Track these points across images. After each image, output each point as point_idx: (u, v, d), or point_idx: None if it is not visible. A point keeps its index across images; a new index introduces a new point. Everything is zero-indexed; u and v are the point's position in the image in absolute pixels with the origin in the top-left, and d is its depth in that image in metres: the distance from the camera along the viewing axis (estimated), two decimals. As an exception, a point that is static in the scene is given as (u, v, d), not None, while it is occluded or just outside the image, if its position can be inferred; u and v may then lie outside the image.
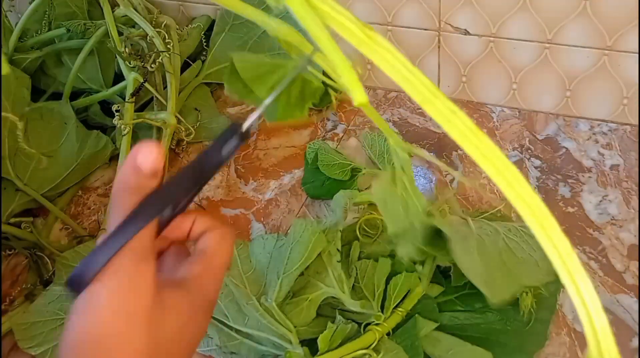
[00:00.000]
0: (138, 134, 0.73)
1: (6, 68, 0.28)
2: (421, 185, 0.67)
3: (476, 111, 0.76)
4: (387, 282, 0.51)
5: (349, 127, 0.76)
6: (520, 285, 0.45)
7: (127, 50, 0.70)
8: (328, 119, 0.77)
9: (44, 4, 0.75)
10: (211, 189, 0.70)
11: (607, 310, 0.53)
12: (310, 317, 0.49)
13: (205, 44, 0.83)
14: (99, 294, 0.26)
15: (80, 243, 0.61)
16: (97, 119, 0.75)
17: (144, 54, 0.72)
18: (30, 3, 0.74)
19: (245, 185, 0.70)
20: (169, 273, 0.31)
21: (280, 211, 0.66)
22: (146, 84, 0.69)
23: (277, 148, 0.74)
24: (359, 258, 0.54)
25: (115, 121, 0.66)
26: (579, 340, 0.51)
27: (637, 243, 0.58)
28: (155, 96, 0.72)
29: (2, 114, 0.58)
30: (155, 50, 0.71)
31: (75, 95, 0.76)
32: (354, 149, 0.72)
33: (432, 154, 0.70)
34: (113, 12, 0.72)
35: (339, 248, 0.51)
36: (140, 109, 0.75)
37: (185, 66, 0.79)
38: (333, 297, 0.51)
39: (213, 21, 0.84)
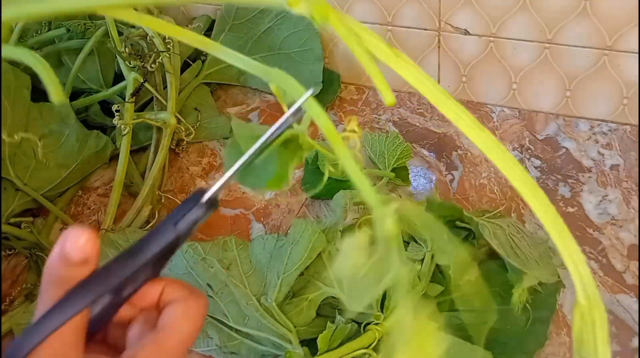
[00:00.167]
0: (138, 134, 0.73)
1: (60, 95, 0.27)
2: (421, 185, 0.67)
3: (476, 111, 0.76)
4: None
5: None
6: (538, 279, 0.45)
7: (127, 50, 0.70)
8: (328, 119, 0.77)
9: (44, 4, 0.75)
10: (211, 189, 0.70)
11: (607, 310, 0.53)
12: (310, 317, 0.49)
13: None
14: None
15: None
16: (97, 119, 0.75)
17: (144, 54, 0.72)
18: (30, 3, 0.74)
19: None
20: (134, 344, 0.28)
21: (280, 211, 0.66)
22: (146, 84, 0.69)
23: (277, 148, 0.74)
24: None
25: (115, 121, 0.66)
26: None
27: (637, 243, 0.58)
28: (155, 96, 0.72)
29: (22, 135, 0.57)
30: (155, 50, 0.71)
31: (75, 95, 0.76)
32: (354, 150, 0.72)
33: (432, 154, 0.70)
34: (113, 12, 0.72)
35: (339, 248, 0.51)
36: (140, 109, 0.75)
37: (185, 66, 0.79)
38: (333, 297, 0.51)
39: (213, 21, 0.84)
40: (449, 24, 0.71)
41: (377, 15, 0.74)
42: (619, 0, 0.62)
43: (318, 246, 0.50)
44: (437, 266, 0.53)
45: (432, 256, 0.52)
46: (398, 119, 0.76)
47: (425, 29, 0.73)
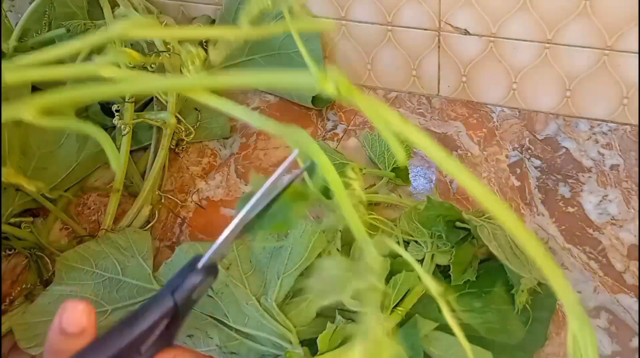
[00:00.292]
0: (138, 134, 0.73)
1: (118, 163, 0.30)
2: (421, 185, 0.67)
3: (476, 111, 0.76)
4: (387, 282, 0.51)
5: (349, 128, 0.76)
6: (536, 280, 0.45)
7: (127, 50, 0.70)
8: (328, 119, 0.77)
9: (44, 4, 0.75)
10: (211, 189, 0.70)
11: (607, 310, 0.53)
12: (310, 317, 0.49)
13: (205, 44, 0.83)
14: None
15: (80, 243, 0.61)
16: (97, 119, 0.75)
17: (144, 54, 0.72)
18: (30, 3, 0.74)
19: (245, 185, 0.70)
20: None
21: (280, 211, 0.66)
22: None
23: (277, 148, 0.74)
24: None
25: (115, 121, 0.66)
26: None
27: (637, 243, 0.58)
28: (155, 96, 0.72)
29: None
30: (155, 50, 0.71)
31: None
32: (354, 149, 0.72)
33: (432, 154, 0.70)
34: (113, 12, 0.72)
35: (339, 248, 0.51)
36: (140, 109, 0.75)
37: (185, 66, 0.79)
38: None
39: (213, 21, 0.84)
40: (449, 24, 0.71)
41: (377, 15, 0.74)
42: (619, 0, 0.62)
43: (318, 246, 0.50)
44: (437, 266, 0.53)
45: (432, 256, 0.52)
46: (398, 119, 0.76)
47: (425, 29, 0.73)
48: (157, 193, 0.68)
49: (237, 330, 0.50)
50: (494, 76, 0.74)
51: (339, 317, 0.49)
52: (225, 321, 0.50)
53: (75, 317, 0.28)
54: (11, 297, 0.58)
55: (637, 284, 0.54)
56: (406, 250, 0.54)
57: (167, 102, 0.71)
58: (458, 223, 0.55)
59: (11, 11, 0.84)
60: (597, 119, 0.72)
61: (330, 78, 0.30)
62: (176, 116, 0.71)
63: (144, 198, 0.65)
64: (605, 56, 0.66)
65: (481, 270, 0.53)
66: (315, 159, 0.33)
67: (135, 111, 0.69)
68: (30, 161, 0.64)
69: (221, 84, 0.33)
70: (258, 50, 0.79)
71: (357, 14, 0.76)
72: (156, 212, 0.67)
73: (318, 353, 0.46)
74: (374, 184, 0.65)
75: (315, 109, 0.78)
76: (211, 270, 0.30)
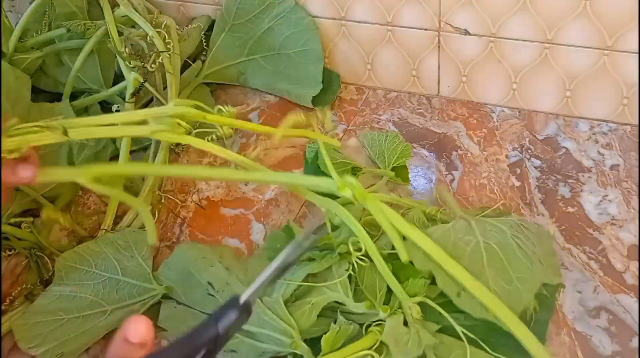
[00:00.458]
0: (137, 141, 0.73)
1: (154, 240, 0.37)
2: (421, 185, 0.67)
3: (476, 111, 0.76)
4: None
5: (349, 128, 0.76)
6: (537, 284, 0.45)
7: (127, 50, 0.70)
8: (328, 119, 0.77)
9: (44, 4, 0.75)
10: (211, 189, 0.70)
11: (607, 310, 0.53)
12: (312, 320, 0.49)
13: (205, 44, 0.83)
14: None
15: (80, 243, 0.61)
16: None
17: (144, 54, 0.72)
18: (30, 3, 0.74)
19: (245, 185, 0.70)
20: None
21: (280, 211, 0.66)
22: (146, 84, 0.69)
23: (277, 148, 0.74)
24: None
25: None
26: (579, 340, 0.51)
27: (637, 243, 0.58)
28: (155, 96, 0.72)
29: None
30: (155, 50, 0.71)
31: (75, 95, 0.76)
32: (354, 149, 0.72)
33: (432, 154, 0.71)
34: (113, 12, 0.72)
35: (350, 261, 0.51)
36: (141, 109, 0.74)
37: (185, 66, 0.79)
38: (337, 302, 0.51)
39: (213, 21, 0.84)
40: (449, 24, 0.71)
41: (377, 15, 0.74)
42: (619, 0, 0.62)
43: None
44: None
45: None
46: (398, 119, 0.76)
47: (425, 29, 0.73)
48: (157, 193, 0.68)
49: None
50: (494, 76, 0.74)
51: (340, 318, 0.49)
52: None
53: (139, 329, 0.33)
54: (11, 297, 0.58)
55: (637, 284, 0.54)
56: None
57: (167, 102, 0.71)
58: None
59: (11, 11, 0.84)
60: (597, 119, 0.72)
61: (348, 185, 0.37)
62: (176, 116, 0.71)
63: (144, 198, 0.65)
64: (605, 56, 0.66)
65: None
66: (346, 221, 0.43)
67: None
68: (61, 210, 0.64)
69: (250, 178, 0.42)
70: (258, 50, 0.79)
71: (357, 14, 0.76)
72: (156, 212, 0.67)
73: (321, 353, 0.46)
74: (374, 184, 0.65)
75: (315, 109, 0.78)
76: (248, 308, 0.35)
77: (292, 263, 0.44)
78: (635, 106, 0.69)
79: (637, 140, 0.69)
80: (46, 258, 0.61)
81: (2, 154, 0.37)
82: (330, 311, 0.51)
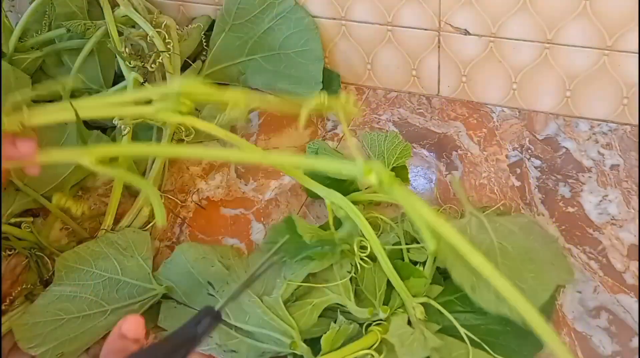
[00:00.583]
0: (138, 134, 0.73)
1: (164, 221, 0.37)
2: (421, 185, 0.67)
3: (476, 111, 0.76)
4: (388, 283, 0.51)
5: (349, 128, 0.76)
6: (553, 284, 0.45)
7: (127, 50, 0.70)
8: (328, 119, 0.77)
9: (44, 4, 0.75)
10: (211, 189, 0.70)
11: (607, 310, 0.53)
12: (313, 321, 0.49)
13: (205, 44, 0.83)
14: None
15: (80, 243, 0.61)
16: (97, 119, 0.75)
17: (144, 54, 0.72)
18: (30, 3, 0.74)
19: (245, 185, 0.70)
20: None
21: (280, 211, 0.66)
22: (146, 84, 0.69)
23: (277, 148, 0.74)
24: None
25: (115, 121, 0.66)
26: (579, 340, 0.51)
27: (637, 243, 0.58)
28: (155, 96, 0.72)
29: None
30: (155, 50, 0.71)
31: (75, 95, 0.76)
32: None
33: (432, 154, 0.71)
34: (113, 12, 0.72)
35: (352, 261, 0.51)
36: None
37: (185, 66, 0.79)
38: (337, 303, 0.51)
39: (213, 21, 0.84)
40: (449, 24, 0.71)
41: (377, 15, 0.74)
42: (619, 0, 0.62)
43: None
44: (437, 267, 0.53)
45: (434, 259, 0.52)
46: (398, 119, 0.76)
47: (425, 29, 0.73)
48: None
49: (237, 328, 0.50)
50: (494, 76, 0.74)
51: (340, 317, 0.49)
52: (225, 319, 0.50)
53: (135, 326, 0.37)
54: (11, 297, 0.58)
55: (637, 284, 0.54)
56: (408, 251, 0.54)
57: (167, 102, 0.71)
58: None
59: (11, 11, 0.84)
60: (597, 119, 0.72)
61: (374, 170, 0.33)
62: (176, 116, 0.70)
63: (144, 198, 0.65)
64: (605, 56, 0.66)
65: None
66: (351, 215, 0.43)
67: (135, 111, 0.69)
68: (68, 194, 0.64)
69: (264, 160, 0.40)
70: (258, 50, 0.79)
71: (357, 14, 0.76)
72: (156, 212, 0.67)
73: (321, 353, 0.46)
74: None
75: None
76: (219, 315, 0.40)
77: (256, 278, 0.50)
78: (635, 106, 0.69)
79: (637, 140, 0.69)
80: (46, 258, 0.61)
81: (2, 128, 0.38)
82: (331, 311, 0.51)
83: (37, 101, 0.68)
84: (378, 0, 0.73)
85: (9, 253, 0.63)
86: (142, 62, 0.70)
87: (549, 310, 0.52)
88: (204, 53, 0.83)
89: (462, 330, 0.46)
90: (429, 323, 0.49)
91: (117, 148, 0.37)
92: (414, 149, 0.70)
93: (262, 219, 0.66)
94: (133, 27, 0.74)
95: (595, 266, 0.56)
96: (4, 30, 0.74)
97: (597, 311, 0.53)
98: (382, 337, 0.47)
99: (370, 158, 0.68)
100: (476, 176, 0.67)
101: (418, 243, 0.54)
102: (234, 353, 0.50)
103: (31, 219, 0.63)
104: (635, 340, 0.50)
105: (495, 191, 0.65)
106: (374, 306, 0.50)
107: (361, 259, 0.50)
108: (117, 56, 0.71)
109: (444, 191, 0.66)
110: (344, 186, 0.62)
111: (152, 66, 0.71)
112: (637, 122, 0.70)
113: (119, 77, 0.76)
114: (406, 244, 0.54)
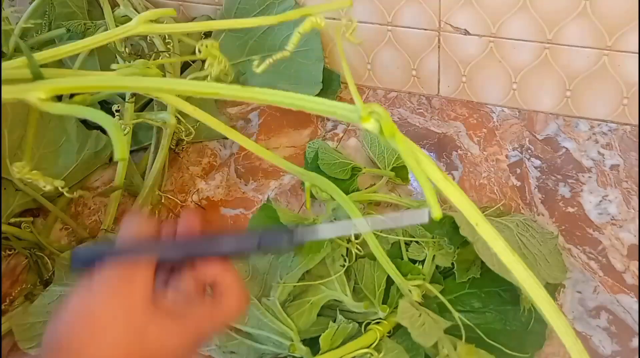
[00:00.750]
0: (138, 134, 0.73)
1: (124, 156, 0.35)
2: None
3: (476, 111, 0.76)
4: (387, 281, 0.51)
5: (349, 128, 0.76)
6: (543, 281, 0.45)
7: (127, 50, 0.70)
8: (328, 119, 0.77)
9: (44, 4, 0.75)
10: (211, 189, 0.70)
11: (607, 310, 0.53)
12: (312, 319, 0.49)
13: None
14: (102, 278, 0.34)
15: (80, 243, 0.61)
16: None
17: (144, 54, 0.72)
18: (30, 3, 0.74)
19: (245, 185, 0.70)
20: (175, 303, 0.35)
21: (280, 211, 0.66)
22: (146, 84, 0.69)
23: (277, 148, 0.74)
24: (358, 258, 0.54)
25: (115, 121, 0.66)
26: (579, 340, 0.51)
27: (637, 243, 0.58)
28: (156, 96, 0.72)
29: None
30: (155, 50, 0.71)
31: (75, 95, 0.76)
32: (354, 149, 0.72)
33: (432, 154, 0.70)
34: (113, 12, 0.72)
35: (343, 254, 0.51)
36: (141, 109, 0.74)
37: (185, 66, 0.79)
38: (335, 300, 0.51)
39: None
40: (449, 24, 0.71)
41: (377, 15, 0.74)
42: (619, 0, 0.62)
43: (323, 250, 0.50)
44: (437, 266, 0.53)
45: (433, 258, 0.52)
46: (398, 119, 0.76)
47: (425, 29, 0.73)
48: (157, 193, 0.68)
49: (236, 330, 0.50)
50: (494, 76, 0.74)
51: (340, 316, 0.49)
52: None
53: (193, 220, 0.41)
54: (11, 297, 0.58)
55: (637, 284, 0.54)
56: (407, 250, 0.54)
57: (167, 102, 0.71)
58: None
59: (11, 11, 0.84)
60: (597, 119, 0.72)
61: (373, 114, 0.29)
62: (176, 116, 0.70)
63: (144, 198, 0.65)
64: (605, 56, 0.66)
65: (482, 270, 0.53)
66: (336, 198, 0.42)
67: (135, 111, 0.69)
68: (30, 161, 0.64)
69: (248, 96, 0.36)
70: (258, 50, 0.79)
71: (357, 14, 0.75)
72: (156, 212, 0.67)
73: (320, 352, 0.46)
74: (374, 184, 0.65)
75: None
76: (297, 241, 0.36)
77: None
78: (635, 106, 0.69)
79: (637, 140, 0.68)
80: (46, 258, 0.61)
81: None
82: (330, 310, 0.51)
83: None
84: (378, 0, 0.73)
85: (9, 253, 0.63)
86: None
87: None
88: (204, 53, 0.83)
89: (457, 319, 0.46)
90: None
91: (75, 80, 0.34)
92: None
93: (262, 219, 0.66)
94: (133, 27, 0.74)
95: (595, 266, 0.56)
96: (4, 31, 0.74)
97: (597, 311, 0.53)
98: (394, 320, 0.47)
99: (371, 158, 0.68)
100: (476, 176, 0.67)
101: (418, 243, 0.54)
102: (233, 355, 0.50)
103: (31, 219, 0.63)
104: (635, 340, 0.50)
105: (495, 191, 0.65)
106: (373, 304, 0.50)
107: (357, 249, 0.50)
108: (117, 56, 0.71)
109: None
110: (344, 186, 0.63)
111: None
112: (637, 122, 0.70)
113: (119, 77, 0.76)
114: (405, 244, 0.54)
